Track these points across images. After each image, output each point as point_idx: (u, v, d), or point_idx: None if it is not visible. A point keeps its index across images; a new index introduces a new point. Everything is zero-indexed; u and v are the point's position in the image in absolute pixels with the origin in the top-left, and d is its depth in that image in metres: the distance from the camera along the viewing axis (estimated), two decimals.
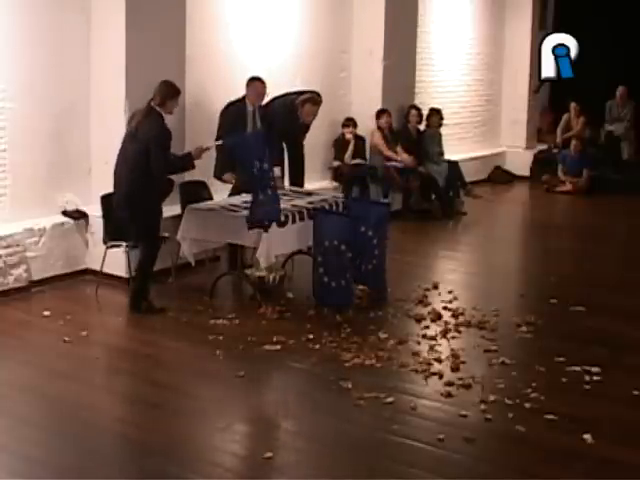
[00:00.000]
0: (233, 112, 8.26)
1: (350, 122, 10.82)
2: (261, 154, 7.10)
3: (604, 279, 8.74)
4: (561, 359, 6.29)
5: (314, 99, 8.80)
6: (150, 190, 7.04)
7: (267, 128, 8.27)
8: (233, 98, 8.45)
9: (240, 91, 8.43)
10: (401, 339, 6.64)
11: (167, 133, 7.02)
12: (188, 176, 8.22)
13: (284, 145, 8.90)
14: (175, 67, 8.27)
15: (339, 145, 10.80)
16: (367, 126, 10.99)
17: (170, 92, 7.11)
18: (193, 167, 7.53)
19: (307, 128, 9.06)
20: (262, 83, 8.30)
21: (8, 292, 7.45)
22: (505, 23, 14.61)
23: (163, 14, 8.08)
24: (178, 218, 7.61)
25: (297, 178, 9.08)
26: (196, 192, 8.22)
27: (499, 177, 14.25)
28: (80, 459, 4.84)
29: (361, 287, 7.53)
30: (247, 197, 7.55)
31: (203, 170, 8.22)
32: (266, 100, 8.67)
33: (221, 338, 6.61)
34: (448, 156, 12.02)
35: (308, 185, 9.48)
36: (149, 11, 7.97)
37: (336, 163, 10.74)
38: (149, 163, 6.92)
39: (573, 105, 14.39)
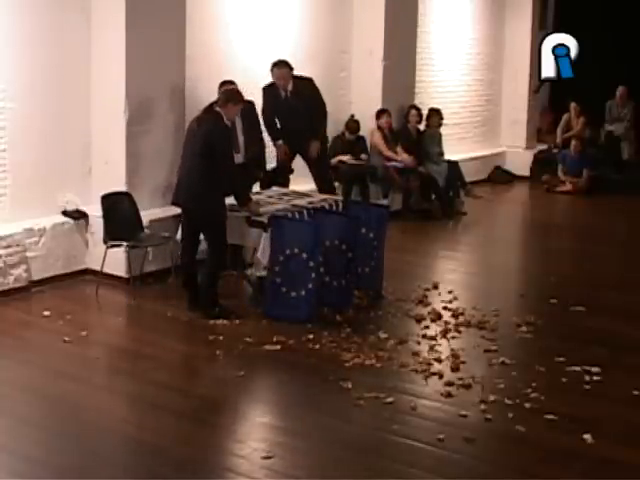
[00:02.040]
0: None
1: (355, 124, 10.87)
2: (308, 245, 6.97)
3: (604, 279, 8.74)
4: (561, 359, 6.29)
5: (278, 62, 9.05)
6: (216, 187, 6.98)
7: (248, 125, 8.28)
8: None
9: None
10: (401, 339, 6.64)
11: (227, 130, 7.02)
12: None
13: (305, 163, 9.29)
14: (175, 67, 8.29)
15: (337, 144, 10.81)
16: (367, 126, 10.99)
17: (234, 97, 7.13)
18: (240, 203, 7.33)
19: (318, 110, 9.14)
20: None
21: (8, 292, 7.45)
22: (505, 23, 14.60)
23: (163, 14, 8.09)
24: (178, 218, 7.61)
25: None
26: None
27: (499, 177, 14.24)
28: (80, 459, 4.84)
29: (357, 292, 7.51)
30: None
31: None
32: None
33: (221, 338, 6.61)
34: (448, 156, 12.01)
35: (308, 185, 9.47)
36: (149, 11, 7.97)
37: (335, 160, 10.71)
38: (211, 158, 6.88)
39: (573, 105, 14.39)
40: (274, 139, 9.21)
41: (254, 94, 9.27)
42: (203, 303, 7.11)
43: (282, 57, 10.14)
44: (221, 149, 6.94)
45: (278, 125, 9.20)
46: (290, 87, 9.06)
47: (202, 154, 6.91)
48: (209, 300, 7.09)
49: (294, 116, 9.09)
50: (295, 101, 9.09)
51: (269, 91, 9.13)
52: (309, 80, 9.30)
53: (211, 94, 9.03)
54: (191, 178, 7.01)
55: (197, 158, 6.95)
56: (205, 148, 6.90)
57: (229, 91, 7.22)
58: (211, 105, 7.16)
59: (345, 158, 10.64)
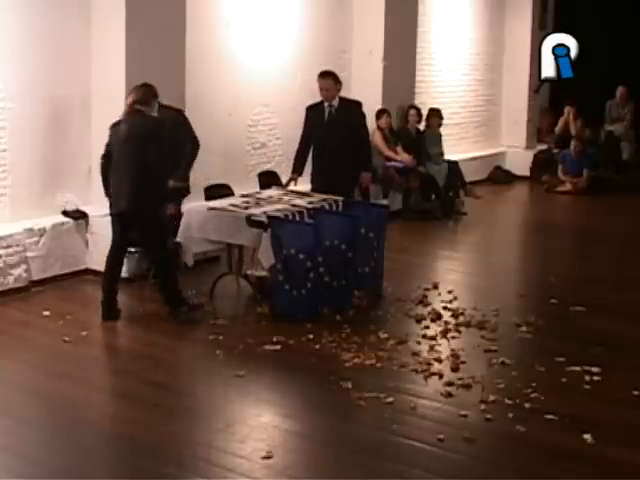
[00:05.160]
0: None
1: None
2: (309, 247, 6.95)
3: (604, 279, 8.75)
4: (561, 359, 6.28)
5: (323, 72, 8.48)
6: (152, 188, 6.89)
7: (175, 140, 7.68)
8: (233, 98, 8.46)
9: (240, 91, 8.43)
10: (401, 339, 6.64)
11: (158, 124, 6.87)
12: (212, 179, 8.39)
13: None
14: (175, 67, 8.28)
15: None
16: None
17: (153, 92, 7.00)
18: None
19: None
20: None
21: (8, 292, 7.45)
22: (505, 23, 14.62)
23: (163, 14, 8.08)
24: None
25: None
26: (220, 194, 8.15)
27: (499, 177, 14.26)
28: (80, 459, 4.83)
29: (356, 292, 7.51)
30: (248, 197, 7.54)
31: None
32: None
33: (221, 338, 6.61)
34: (448, 156, 12.03)
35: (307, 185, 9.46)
36: (149, 11, 7.97)
37: None
38: (147, 158, 6.77)
39: (567, 109, 14.39)
40: (294, 170, 8.57)
41: (254, 94, 9.30)
42: (169, 307, 6.97)
43: (283, 57, 10.21)
44: (154, 145, 6.77)
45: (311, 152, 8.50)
46: (336, 103, 8.38)
47: (135, 154, 6.76)
48: (174, 302, 6.95)
49: (334, 138, 8.32)
50: (339, 120, 8.39)
51: (312, 111, 8.51)
52: (357, 103, 8.76)
53: (211, 94, 9.07)
54: (126, 181, 6.81)
55: (131, 160, 6.79)
56: (138, 147, 6.74)
57: (144, 88, 6.98)
58: (131, 105, 6.91)
59: None
